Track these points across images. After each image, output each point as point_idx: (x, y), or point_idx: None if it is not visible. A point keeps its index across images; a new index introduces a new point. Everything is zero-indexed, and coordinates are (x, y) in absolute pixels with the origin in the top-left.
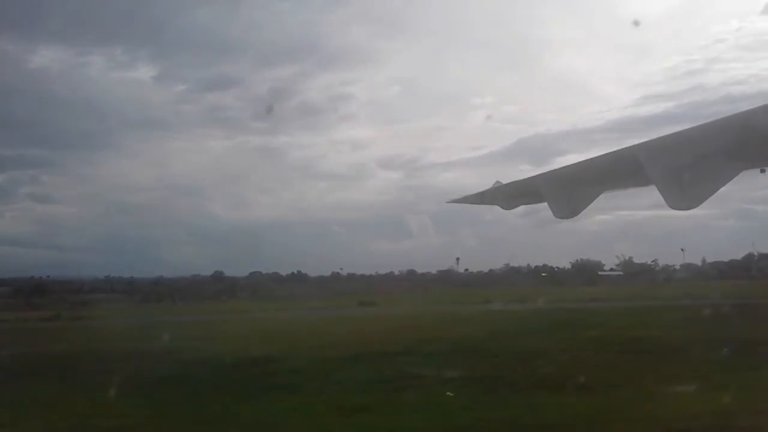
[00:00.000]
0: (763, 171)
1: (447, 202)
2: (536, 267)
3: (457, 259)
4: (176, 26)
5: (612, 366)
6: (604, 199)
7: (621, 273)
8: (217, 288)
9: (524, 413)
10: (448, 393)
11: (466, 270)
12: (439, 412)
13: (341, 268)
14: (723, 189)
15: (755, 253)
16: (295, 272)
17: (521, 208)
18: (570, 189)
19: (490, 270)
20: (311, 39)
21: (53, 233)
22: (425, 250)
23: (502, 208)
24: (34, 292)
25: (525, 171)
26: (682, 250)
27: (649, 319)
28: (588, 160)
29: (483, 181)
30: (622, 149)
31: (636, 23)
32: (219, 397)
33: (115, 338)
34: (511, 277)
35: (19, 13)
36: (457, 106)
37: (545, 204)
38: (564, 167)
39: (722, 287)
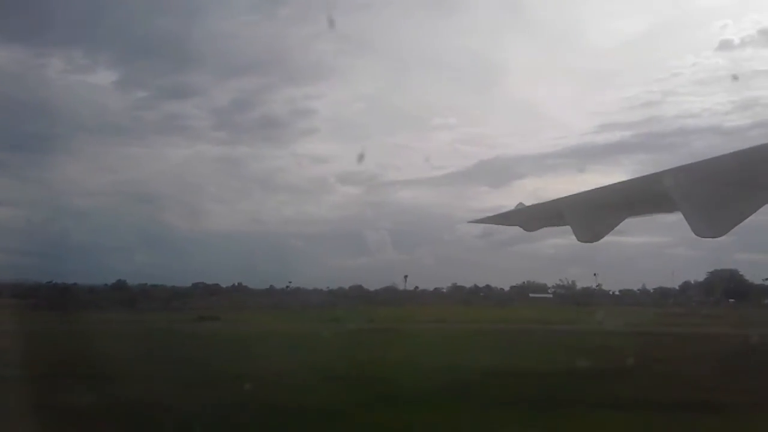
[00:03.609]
0: None
1: (468, 222)
2: (481, 287)
3: (405, 276)
4: (139, 32)
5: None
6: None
7: (551, 296)
8: (124, 297)
9: None
10: None
11: (416, 288)
12: None
13: (290, 282)
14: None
15: (692, 282)
16: (236, 284)
17: (479, 230)
18: (593, 213)
19: (435, 288)
20: (276, 52)
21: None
22: (379, 267)
23: (524, 229)
24: None
25: (484, 192)
26: (594, 275)
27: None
28: (613, 184)
29: (442, 201)
30: (649, 175)
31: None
32: None
33: None
34: (452, 296)
35: None
36: (419, 125)
37: (500, 227)
38: (588, 191)
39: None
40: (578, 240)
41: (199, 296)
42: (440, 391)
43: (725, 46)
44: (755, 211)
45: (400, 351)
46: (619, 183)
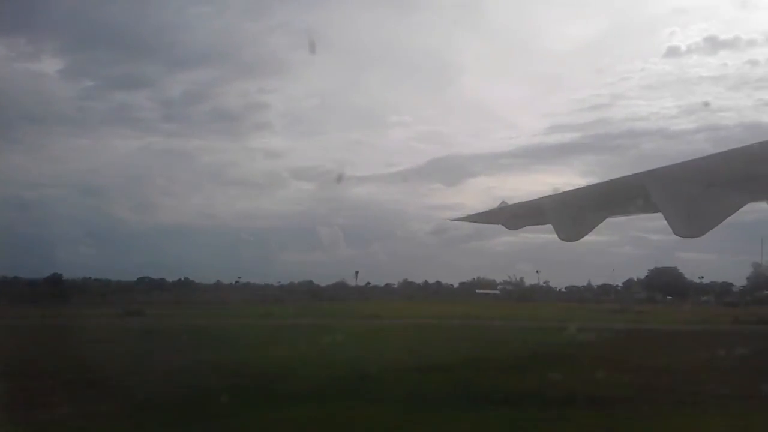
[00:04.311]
0: None
1: (451, 220)
2: (431, 283)
3: (356, 272)
4: (87, 20)
5: None
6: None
7: (498, 293)
8: (58, 291)
9: None
10: None
11: (367, 283)
12: None
13: (239, 277)
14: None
15: (634, 279)
16: (182, 279)
17: (432, 227)
18: (576, 212)
19: (387, 284)
20: (230, 45)
21: None
22: (332, 263)
23: (507, 228)
24: None
25: (437, 190)
26: (537, 272)
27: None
28: (595, 185)
29: (396, 197)
30: (630, 176)
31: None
32: None
33: None
34: (402, 292)
35: None
36: (375, 122)
37: (454, 223)
38: (571, 191)
39: (523, 309)
40: (560, 238)
41: (141, 291)
42: (299, 387)
43: (672, 52)
44: (733, 213)
45: (300, 347)
46: (602, 183)
